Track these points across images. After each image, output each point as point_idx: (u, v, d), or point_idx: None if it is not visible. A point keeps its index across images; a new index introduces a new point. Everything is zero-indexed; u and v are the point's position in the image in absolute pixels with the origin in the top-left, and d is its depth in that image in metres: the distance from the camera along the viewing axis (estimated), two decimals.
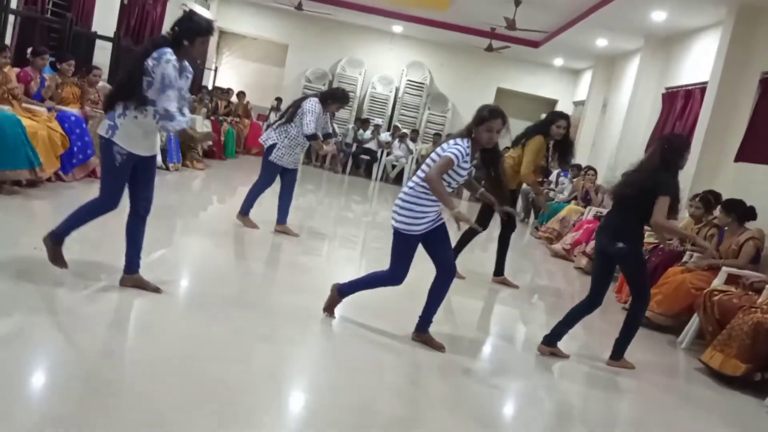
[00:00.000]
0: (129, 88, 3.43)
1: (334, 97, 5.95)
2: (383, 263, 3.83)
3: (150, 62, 3.35)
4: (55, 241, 3.60)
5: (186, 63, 3.55)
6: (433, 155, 3.59)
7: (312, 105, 5.74)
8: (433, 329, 3.77)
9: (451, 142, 3.58)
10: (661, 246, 6.02)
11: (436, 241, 3.68)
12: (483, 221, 5.52)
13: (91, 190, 3.81)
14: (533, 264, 7.60)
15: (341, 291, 3.86)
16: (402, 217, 3.58)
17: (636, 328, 4.08)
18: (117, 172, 3.51)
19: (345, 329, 3.87)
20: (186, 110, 3.58)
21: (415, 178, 3.64)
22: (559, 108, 14.72)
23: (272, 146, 5.78)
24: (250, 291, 4.38)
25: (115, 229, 3.84)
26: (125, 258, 3.69)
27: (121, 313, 3.51)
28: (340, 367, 3.36)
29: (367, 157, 12.97)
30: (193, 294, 4.12)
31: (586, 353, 4.28)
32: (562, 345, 4.09)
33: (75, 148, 6.18)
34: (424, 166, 3.59)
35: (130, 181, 3.60)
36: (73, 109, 6.64)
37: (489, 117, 3.52)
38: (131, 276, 3.69)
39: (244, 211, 5.92)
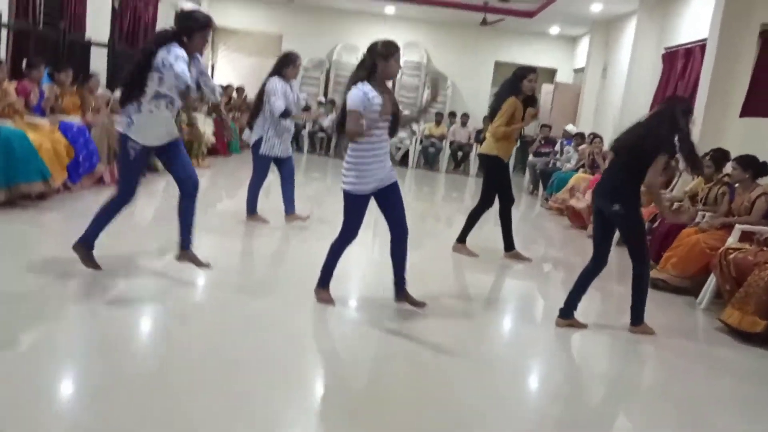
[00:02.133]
0: (139, 84, 3.67)
1: (284, 62, 5.69)
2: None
3: (159, 58, 3.58)
4: (85, 246, 3.86)
5: (196, 55, 3.82)
6: None
7: (273, 84, 5.57)
8: (450, 306, 3.78)
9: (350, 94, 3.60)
10: (673, 208, 5.99)
11: (386, 201, 3.82)
12: (487, 198, 5.51)
13: (101, 198, 3.85)
14: (545, 236, 7.60)
15: (321, 282, 3.91)
16: (348, 178, 3.69)
17: (645, 290, 4.06)
18: (132, 165, 3.81)
19: (355, 317, 3.90)
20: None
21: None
22: (559, 76, 14.64)
23: (259, 140, 5.70)
24: (264, 281, 4.40)
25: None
26: (179, 236, 4.04)
27: (141, 311, 3.56)
28: (349, 353, 3.38)
29: None
30: (208, 287, 4.15)
31: (605, 322, 4.29)
32: (580, 314, 4.10)
33: (80, 157, 6.20)
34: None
35: (167, 168, 3.95)
36: (75, 119, 6.64)
37: (396, 49, 3.68)
38: (185, 252, 4.08)
39: (251, 210, 5.92)
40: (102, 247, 3.95)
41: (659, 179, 3.79)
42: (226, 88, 12.57)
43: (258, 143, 5.72)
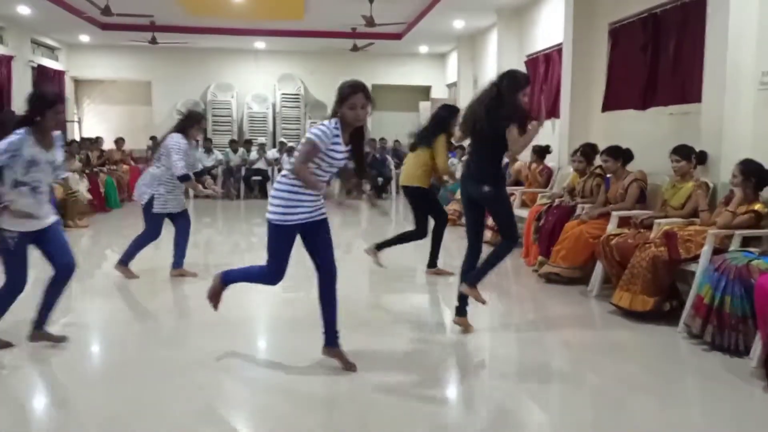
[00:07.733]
0: None
1: (189, 121, 5.53)
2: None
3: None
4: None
5: (53, 134, 3.71)
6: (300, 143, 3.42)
7: (176, 142, 5.32)
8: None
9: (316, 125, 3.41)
10: (555, 204, 6.30)
11: (315, 238, 3.48)
12: (420, 226, 5.70)
13: None
14: (444, 247, 7.74)
15: (224, 279, 3.77)
16: (274, 207, 3.37)
17: (496, 263, 4.16)
18: (14, 254, 3.64)
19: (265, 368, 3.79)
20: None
21: (286, 167, 3.51)
22: (433, 92, 15.13)
23: (150, 199, 5.41)
24: (168, 341, 4.19)
25: None
26: (37, 315, 3.82)
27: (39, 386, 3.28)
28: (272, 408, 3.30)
29: (258, 178, 12.77)
30: (107, 354, 3.91)
31: (506, 320, 4.40)
32: (477, 314, 4.21)
33: None
34: (294, 154, 3.43)
35: (42, 253, 3.76)
36: None
37: (349, 93, 3.32)
38: (41, 332, 3.84)
39: (124, 260, 5.57)
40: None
41: (519, 145, 3.93)
42: (95, 141, 12.04)
43: (150, 202, 5.41)
